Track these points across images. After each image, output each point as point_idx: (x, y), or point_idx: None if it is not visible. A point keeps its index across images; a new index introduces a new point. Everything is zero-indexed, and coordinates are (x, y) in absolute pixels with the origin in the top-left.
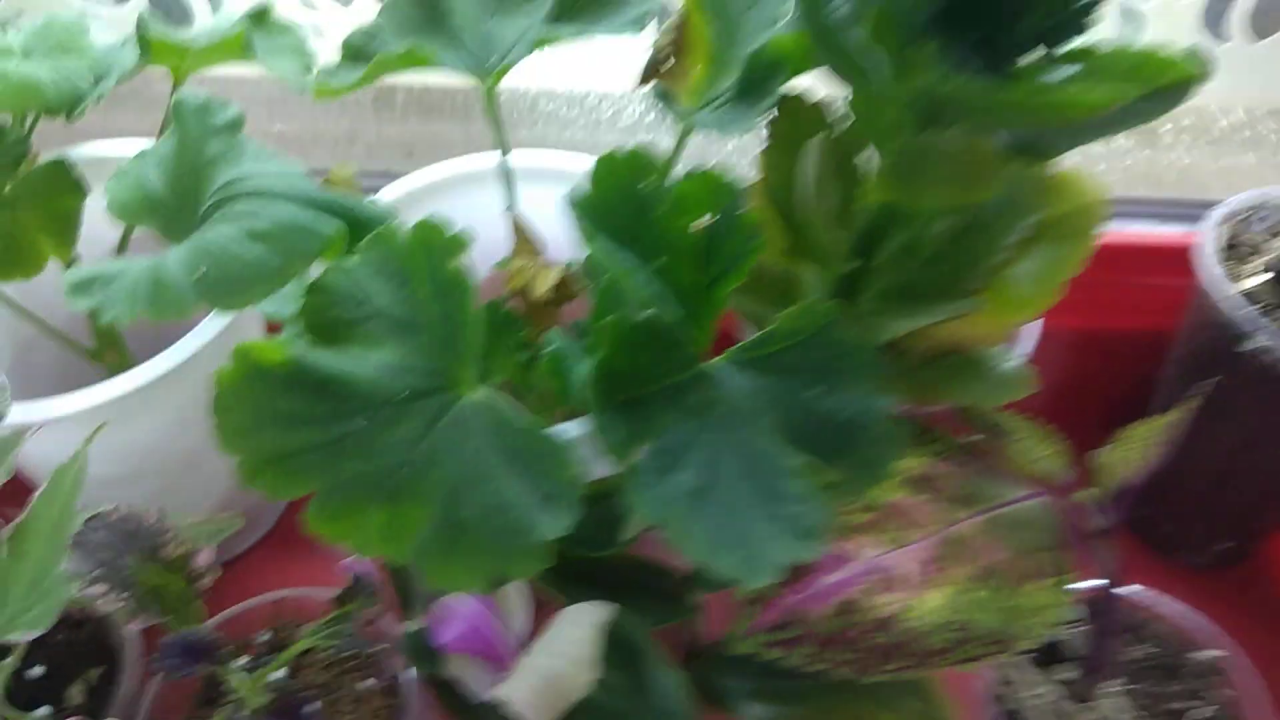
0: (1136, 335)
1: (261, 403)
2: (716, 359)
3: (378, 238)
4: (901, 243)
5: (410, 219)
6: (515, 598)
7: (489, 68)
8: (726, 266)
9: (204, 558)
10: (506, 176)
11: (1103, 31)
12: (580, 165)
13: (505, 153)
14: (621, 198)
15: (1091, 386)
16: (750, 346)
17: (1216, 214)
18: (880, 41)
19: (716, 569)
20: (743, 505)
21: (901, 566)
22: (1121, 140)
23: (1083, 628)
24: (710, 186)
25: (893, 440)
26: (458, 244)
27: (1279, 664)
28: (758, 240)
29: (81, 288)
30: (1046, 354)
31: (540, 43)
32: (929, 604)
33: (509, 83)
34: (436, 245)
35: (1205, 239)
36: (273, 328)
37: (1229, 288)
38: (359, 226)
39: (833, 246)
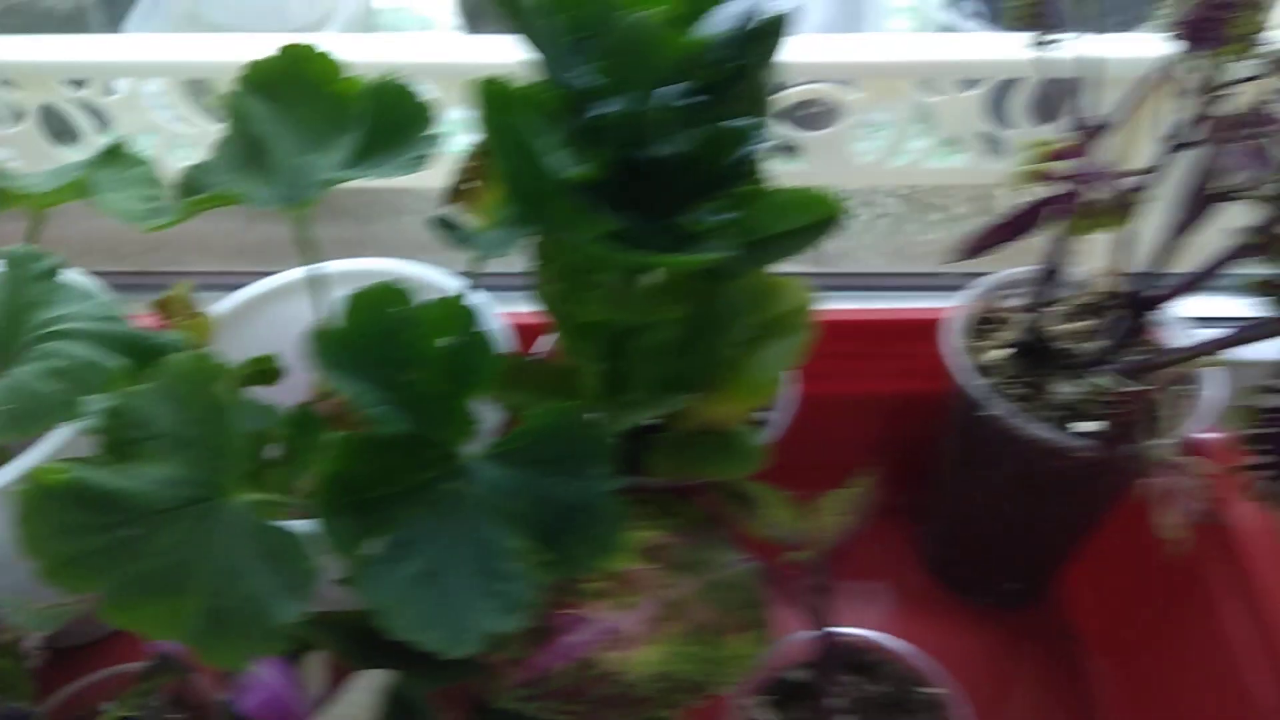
0: (921, 398)
1: (51, 516)
2: (475, 454)
3: (159, 367)
4: (645, 344)
5: (247, 326)
6: (314, 665)
7: (297, 200)
8: (469, 377)
9: (30, 641)
10: (315, 287)
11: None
12: (401, 269)
13: (315, 266)
14: (374, 324)
15: (886, 446)
16: (503, 441)
17: (969, 291)
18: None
19: (424, 644)
20: (462, 586)
21: (629, 626)
22: (961, 208)
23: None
24: (450, 310)
25: (618, 521)
26: (221, 371)
27: (1053, 689)
28: (494, 353)
29: None
30: (838, 420)
31: (333, 181)
32: (646, 658)
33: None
34: (205, 372)
35: (953, 314)
36: None
37: (966, 360)
38: (154, 356)
39: (585, 351)
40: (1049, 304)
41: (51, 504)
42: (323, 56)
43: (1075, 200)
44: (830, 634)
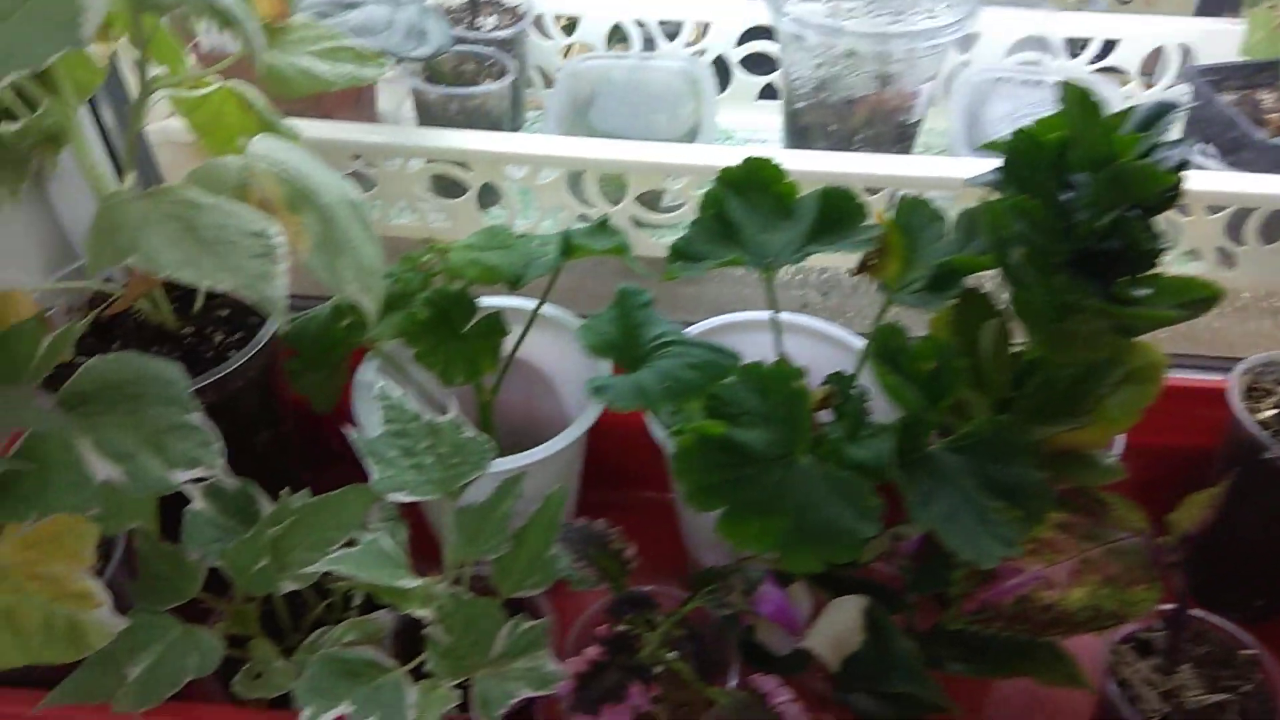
0: (1192, 448)
1: (701, 457)
2: (936, 446)
3: (748, 368)
4: (1039, 381)
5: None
6: (800, 593)
7: (766, 265)
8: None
9: (630, 550)
10: (776, 329)
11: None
12: (830, 329)
13: (776, 313)
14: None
15: (1165, 481)
16: (956, 439)
17: (1240, 367)
18: (1031, 267)
19: (961, 554)
20: (971, 522)
21: (1054, 575)
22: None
23: (1164, 632)
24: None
25: (1046, 498)
26: (797, 374)
27: None
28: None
29: (599, 389)
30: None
31: (801, 253)
32: (1074, 596)
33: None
34: (787, 374)
35: (1233, 384)
36: None
37: (1250, 418)
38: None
39: (999, 383)
40: None
41: (703, 448)
42: (772, 165)
43: None
44: (1182, 603)
